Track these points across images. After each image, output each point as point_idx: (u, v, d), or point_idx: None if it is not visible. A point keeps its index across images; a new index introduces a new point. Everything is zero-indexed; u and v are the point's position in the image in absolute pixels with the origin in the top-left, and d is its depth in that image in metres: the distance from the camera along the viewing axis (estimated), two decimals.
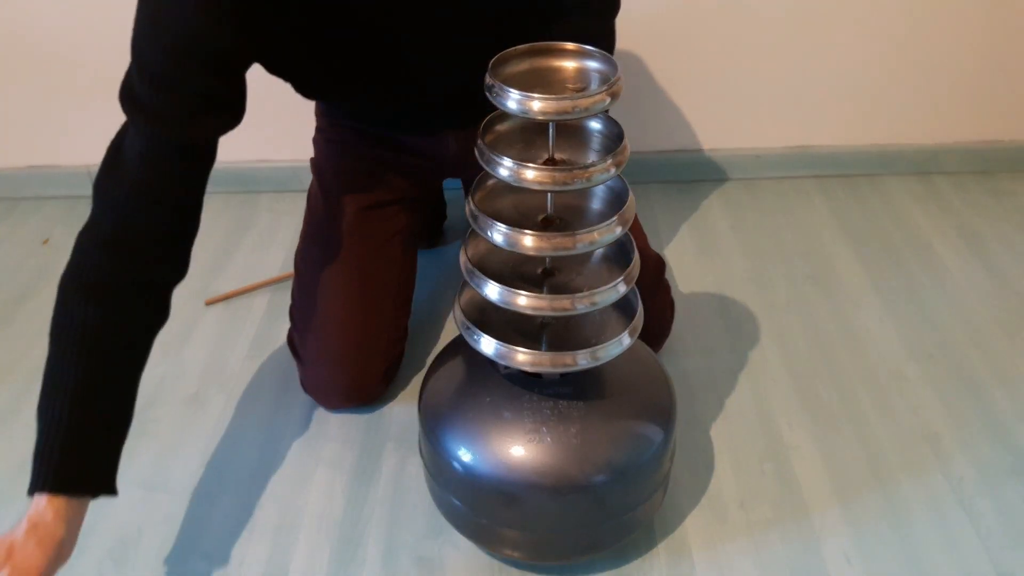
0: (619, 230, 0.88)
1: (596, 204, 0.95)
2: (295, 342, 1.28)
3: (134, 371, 0.95)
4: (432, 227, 1.60)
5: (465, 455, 0.95)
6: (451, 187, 1.58)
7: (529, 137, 0.92)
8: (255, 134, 1.70)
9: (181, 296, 1.00)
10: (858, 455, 1.18)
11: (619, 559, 1.05)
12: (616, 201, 0.93)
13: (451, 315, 1.32)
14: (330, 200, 1.28)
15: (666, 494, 1.07)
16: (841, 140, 1.78)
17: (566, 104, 0.81)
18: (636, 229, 1.26)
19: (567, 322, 0.97)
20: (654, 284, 1.28)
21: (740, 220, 1.68)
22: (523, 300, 0.88)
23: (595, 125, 0.92)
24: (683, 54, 1.68)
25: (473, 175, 0.92)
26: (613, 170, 0.85)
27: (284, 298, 1.41)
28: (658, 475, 1.00)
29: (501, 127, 0.92)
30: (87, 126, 1.63)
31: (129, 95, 0.92)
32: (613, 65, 0.86)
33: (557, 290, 0.92)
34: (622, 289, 0.90)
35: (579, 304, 0.88)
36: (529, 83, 0.84)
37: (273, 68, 1.09)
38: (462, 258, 0.94)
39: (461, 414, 0.97)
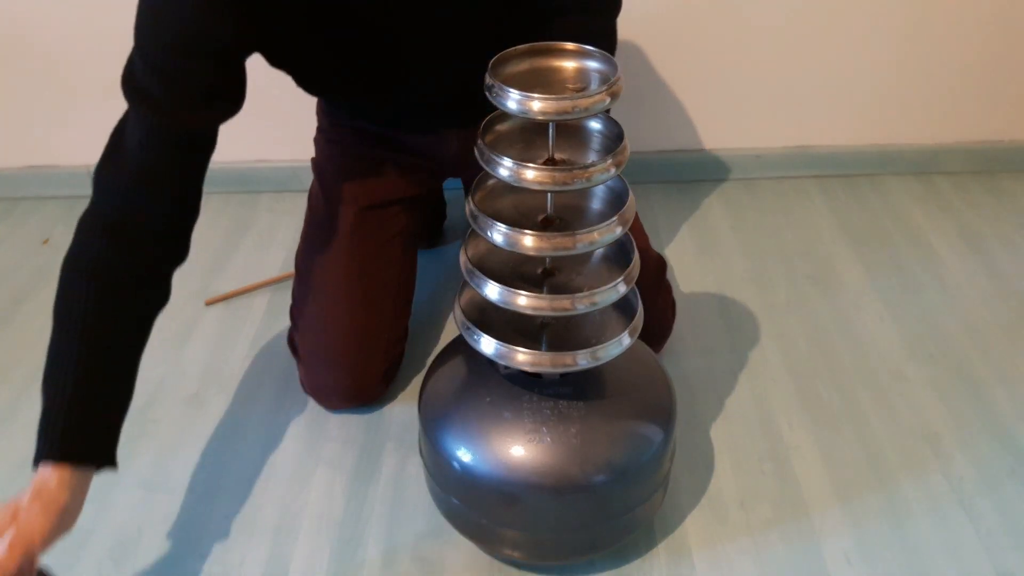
0: (619, 230, 0.88)
1: (596, 204, 0.95)
2: (295, 342, 1.28)
3: (135, 351, 0.96)
4: (432, 227, 1.60)
5: (465, 455, 0.95)
6: (451, 187, 1.58)
7: (529, 137, 0.92)
8: (255, 134, 1.71)
9: (181, 296, 1.00)
10: (858, 455, 1.18)
11: (619, 559, 1.05)
12: (616, 201, 0.93)
13: (451, 315, 1.32)
14: (331, 200, 1.28)
15: (666, 494, 1.07)
16: (841, 140, 1.78)
17: (566, 104, 0.81)
18: (637, 229, 1.26)
19: (567, 322, 0.97)
20: (655, 284, 1.28)
21: (740, 220, 1.68)
22: (523, 300, 0.88)
23: (595, 125, 0.92)
24: (683, 54, 1.68)
25: (473, 175, 0.92)
26: (613, 170, 0.85)
27: (284, 298, 1.41)
28: (658, 475, 1.00)
29: (501, 127, 0.92)
30: (87, 126, 1.62)
31: (131, 83, 0.93)
32: (613, 65, 0.86)
33: (557, 290, 0.92)
34: (622, 289, 0.90)
35: (579, 304, 0.88)
36: (529, 83, 0.84)
37: (274, 61, 1.10)
38: (462, 258, 0.94)
39: (461, 414, 0.97)
